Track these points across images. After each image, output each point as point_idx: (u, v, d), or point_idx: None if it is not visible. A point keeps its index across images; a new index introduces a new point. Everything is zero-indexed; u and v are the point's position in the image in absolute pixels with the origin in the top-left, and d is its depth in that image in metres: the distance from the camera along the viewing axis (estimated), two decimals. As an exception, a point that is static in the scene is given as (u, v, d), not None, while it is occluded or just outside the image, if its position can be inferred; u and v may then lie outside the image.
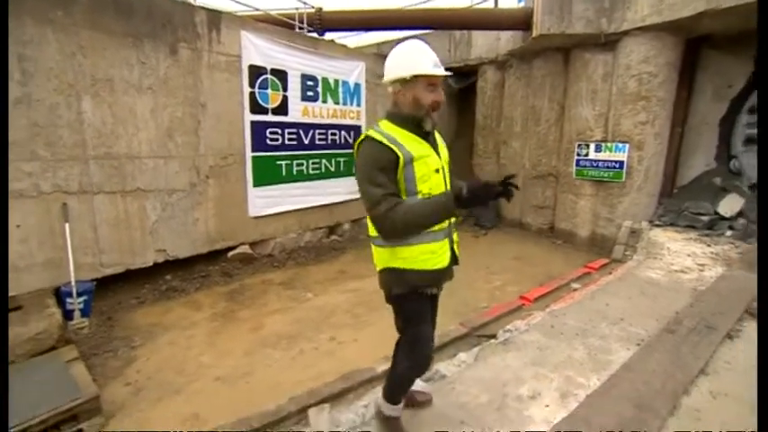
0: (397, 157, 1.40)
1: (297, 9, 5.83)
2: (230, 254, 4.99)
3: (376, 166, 1.40)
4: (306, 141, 5.63)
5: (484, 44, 7.31)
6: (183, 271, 4.68)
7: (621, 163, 5.49)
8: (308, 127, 5.61)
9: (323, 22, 6.22)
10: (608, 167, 5.64)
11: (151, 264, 4.35)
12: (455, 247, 1.63)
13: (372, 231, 1.57)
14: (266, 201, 5.26)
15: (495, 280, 4.80)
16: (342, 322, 3.80)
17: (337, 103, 5.98)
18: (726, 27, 4.94)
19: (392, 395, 1.75)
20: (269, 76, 4.98)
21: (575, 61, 5.94)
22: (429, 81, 1.46)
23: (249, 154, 4.96)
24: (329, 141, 5.98)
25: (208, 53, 4.46)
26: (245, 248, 5.09)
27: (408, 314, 1.62)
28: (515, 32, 6.39)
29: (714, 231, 5.07)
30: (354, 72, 6.10)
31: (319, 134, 5.81)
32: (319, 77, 5.60)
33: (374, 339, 3.34)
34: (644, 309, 3.06)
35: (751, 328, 2.74)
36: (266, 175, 5.19)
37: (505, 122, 7.32)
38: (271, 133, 5.15)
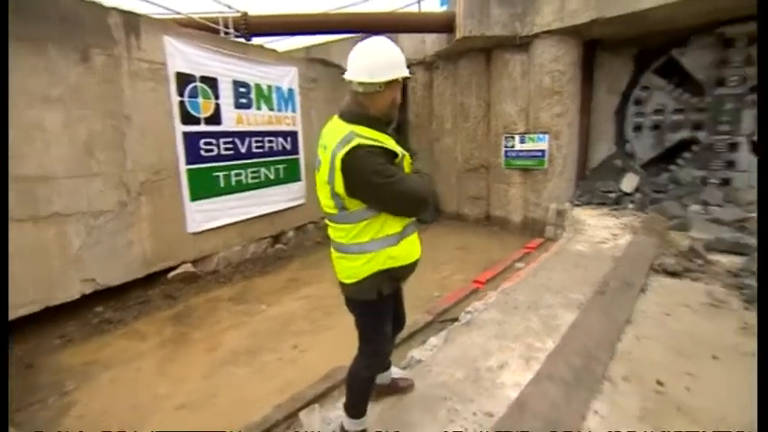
0: (396, 155, 1.46)
1: (221, 13, 5.59)
2: (171, 275, 4.63)
3: (387, 163, 1.42)
4: (242, 150, 5.42)
5: (410, 46, 7.64)
6: (116, 300, 4.23)
7: (543, 152, 6.13)
8: (243, 135, 5.41)
9: (249, 27, 6.04)
10: (532, 156, 6.26)
11: (78, 296, 3.88)
12: None
13: (343, 238, 1.53)
14: (205, 215, 4.97)
15: (442, 270, 5.05)
16: (300, 329, 3.76)
17: (272, 109, 5.84)
18: (612, 33, 5.80)
19: (355, 406, 1.71)
20: (198, 83, 4.71)
21: (496, 61, 6.49)
22: (400, 81, 1.51)
23: (183, 167, 4.64)
24: (266, 149, 5.83)
25: (127, 60, 4.09)
26: (186, 267, 4.75)
27: (384, 313, 1.65)
28: (440, 35, 6.78)
29: (620, 206, 5.88)
30: (287, 77, 6.00)
31: (256, 142, 5.63)
32: (252, 84, 5.43)
33: (336, 342, 3.35)
34: (579, 277, 3.47)
35: (656, 282, 3.31)
36: (203, 187, 4.91)
37: (436, 120, 7.72)
38: (205, 144, 4.87)
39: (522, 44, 6.06)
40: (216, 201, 5.11)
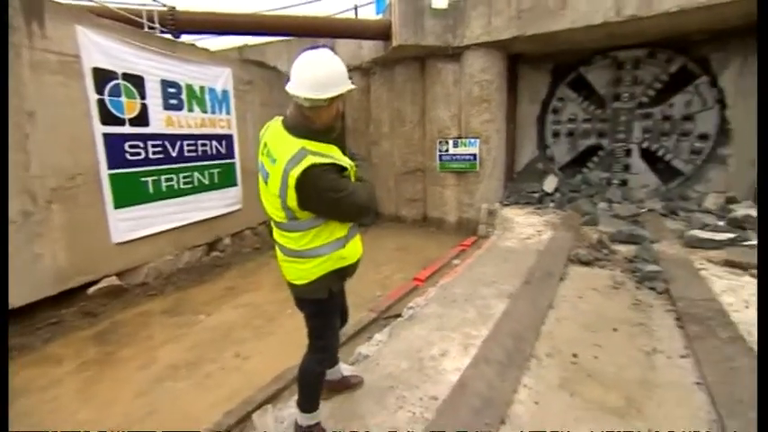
0: (345, 168, 1.53)
1: (144, 6, 5.20)
2: (91, 290, 4.20)
3: (339, 177, 1.48)
4: (174, 154, 5.10)
5: (347, 52, 7.73)
6: (21, 323, 3.73)
7: (475, 155, 6.59)
8: (174, 138, 5.08)
9: (177, 23, 5.70)
10: (465, 160, 6.70)
11: (-29, 321, 3.36)
12: None
13: (293, 244, 1.57)
14: (132, 223, 4.59)
15: (383, 270, 5.20)
16: (242, 337, 3.66)
17: (205, 111, 5.57)
18: (532, 48, 6.46)
19: (308, 401, 1.76)
20: (121, 81, 4.33)
21: (430, 69, 6.84)
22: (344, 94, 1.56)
23: (105, 171, 4.24)
24: (200, 153, 5.54)
25: (29, 50, 3.63)
26: (110, 280, 4.34)
27: (334, 309, 1.75)
28: (377, 42, 6.97)
29: (543, 205, 6.53)
30: (220, 78, 5.76)
31: (188, 145, 5.33)
32: (182, 84, 5.12)
33: (279, 347, 3.34)
34: (508, 271, 3.82)
35: (573, 271, 3.77)
36: (129, 194, 4.52)
37: (374, 124, 7.91)
38: (131, 147, 4.50)
39: (454, 54, 6.47)
40: (144, 208, 4.74)
